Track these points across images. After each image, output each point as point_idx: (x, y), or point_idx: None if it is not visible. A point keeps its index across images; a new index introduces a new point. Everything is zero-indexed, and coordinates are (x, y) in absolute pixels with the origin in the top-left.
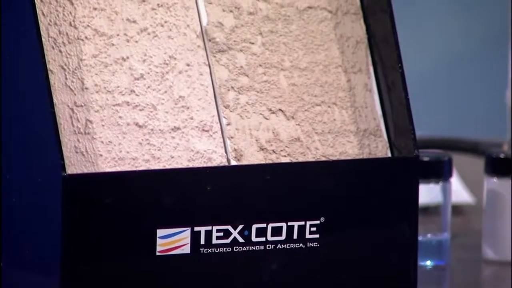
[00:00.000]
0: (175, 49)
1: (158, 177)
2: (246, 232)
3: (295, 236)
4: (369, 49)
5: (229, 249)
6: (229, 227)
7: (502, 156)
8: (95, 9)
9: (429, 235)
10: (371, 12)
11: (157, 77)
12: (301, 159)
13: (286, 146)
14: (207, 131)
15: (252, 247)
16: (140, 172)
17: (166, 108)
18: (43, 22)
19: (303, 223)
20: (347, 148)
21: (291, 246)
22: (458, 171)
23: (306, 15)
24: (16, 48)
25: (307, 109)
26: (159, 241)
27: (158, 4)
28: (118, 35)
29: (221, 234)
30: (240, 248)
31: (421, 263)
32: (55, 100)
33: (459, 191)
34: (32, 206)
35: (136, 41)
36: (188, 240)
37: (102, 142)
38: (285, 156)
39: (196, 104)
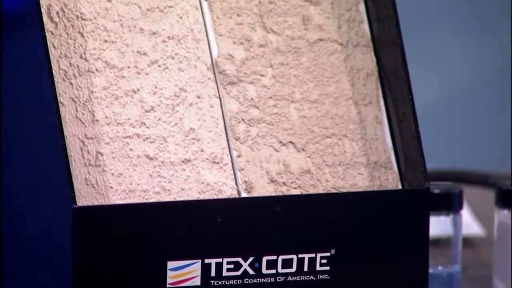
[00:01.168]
0: (186, 81)
1: (168, 209)
2: (256, 264)
3: (305, 268)
4: (379, 82)
5: (239, 281)
6: (240, 259)
7: None
8: (105, 41)
9: (439, 268)
10: (381, 45)
11: (167, 109)
12: (311, 191)
13: (297, 178)
14: (217, 163)
15: (262, 279)
16: (151, 204)
17: (176, 140)
18: (53, 54)
19: (313, 255)
20: (358, 180)
21: (301, 278)
22: (469, 203)
23: (316, 48)
24: (26, 80)
25: (318, 141)
26: (169, 273)
27: (168, 37)
28: (128, 67)
29: (231, 266)
30: (250, 280)
31: None
32: (65, 132)
33: (469, 224)
34: (43, 239)
35: (147, 74)
36: (198, 272)
37: (112, 174)
38: (295, 188)
39: (207, 136)
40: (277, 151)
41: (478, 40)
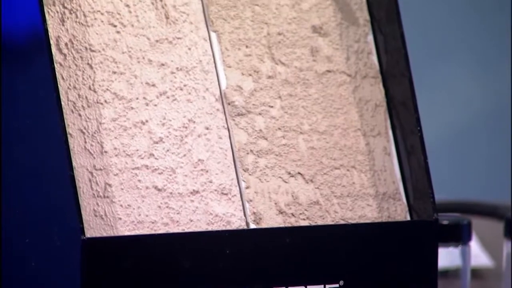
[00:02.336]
0: (194, 113)
1: (177, 241)
2: None
3: None
4: (388, 113)
5: None
6: None
7: None
8: (114, 72)
9: None
10: (390, 76)
11: (176, 140)
12: (320, 222)
13: (305, 210)
14: (226, 194)
15: None
16: (159, 235)
17: (185, 172)
18: (62, 86)
19: (322, 286)
20: (366, 212)
21: None
22: (477, 235)
23: (325, 79)
24: (35, 111)
25: (326, 173)
26: None
27: (177, 68)
28: (137, 98)
29: None
30: None
31: None
32: (74, 164)
33: (478, 255)
34: (52, 270)
35: (155, 105)
36: None
37: (121, 205)
38: (304, 219)
39: (215, 168)
40: (285, 182)
41: (485, 71)
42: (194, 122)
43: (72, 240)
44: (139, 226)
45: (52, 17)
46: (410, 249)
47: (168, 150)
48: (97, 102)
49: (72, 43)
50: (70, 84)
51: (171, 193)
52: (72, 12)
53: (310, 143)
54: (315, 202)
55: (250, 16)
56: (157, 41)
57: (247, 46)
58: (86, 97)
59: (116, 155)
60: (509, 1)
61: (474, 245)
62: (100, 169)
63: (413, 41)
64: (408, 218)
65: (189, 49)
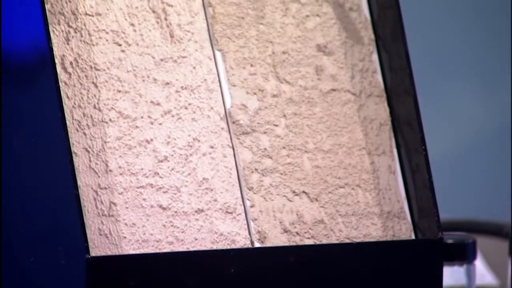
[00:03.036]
0: (199, 131)
1: (181, 260)
2: None
3: None
4: (392, 132)
5: None
6: None
7: None
8: (119, 91)
9: None
10: (394, 95)
11: (181, 159)
12: (324, 241)
13: (310, 228)
14: (230, 213)
15: None
16: (164, 254)
17: (190, 190)
18: (67, 104)
19: None
20: (371, 230)
21: None
22: (482, 254)
23: (329, 98)
24: (39, 130)
25: (331, 191)
26: None
27: (182, 87)
28: (142, 117)
29: None
30: None
31: None
32: (79, 183)
33: (483, 274)
34: None
35: (160, 124)
36: None
37: (126, 224)
38: (308, 238)
39: (220, 186)
40: (290, 201)
41: (490, 90)
42: (198, 140)
43: (77, 259)
44: (144, 244)
45: (57, 36)
46: (415, 268)
47: (172, 169)
48: (102, 121)
49: (77, 62)
50: (75, 103)
51: (175, 211)
52: (77, 31)
53: (314, 162)
54: (319, 221)
55: (255, 35)
56: (162, 60)
57: (251, 65)
58: (91, 116)
59: (121, 174)
60: None
61: (479, 264)
62: (105, 188)
63: (417, 60)
64: (413, 237)
65: (194, 68)
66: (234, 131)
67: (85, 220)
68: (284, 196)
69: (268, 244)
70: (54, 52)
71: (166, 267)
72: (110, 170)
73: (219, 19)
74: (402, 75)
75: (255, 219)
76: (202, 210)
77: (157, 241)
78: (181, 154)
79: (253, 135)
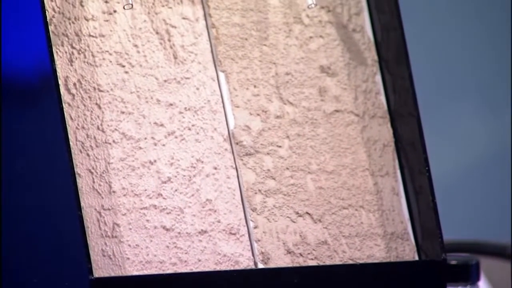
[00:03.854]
0: (202, 153)
1: (185, 280)
2: None
3: None
4: (396, 153)
5: None
6: None
7: None
8: (122, 112)
9: None
10: (398, 116)
11: (184, 180)
12: (328, 262)
13: (313, 249)
14: (234, 234)
15: None
16: (167, 275)
17: (193, 211)
18: (71, 126)
19: None
20: (375, 251)
21: None
22: (486, 274)
23: (333, 119)
24: (43, 151)
25: (334, 212)
26: None
27: (185, 108)
28: (145, 138)
29: None
30: None
31: None
32: (82, 204)
33: None
34: None
35: (164, 145)
36: None
37: (129, 245)
38: (312, 259)
39: (223, 207)
40: (293, 222)
41: (493, 112)
42: (202, 162)
43: (80, 280)
44: (147, 266)
45: (61, 57)
46: None
47: (176, 190)
48: (106, 142)
49: (81, 83)
50: (78, 124)
51: (179, 233)
52: (80, 52)
53: (318, 183)
54: (323, 242)
55: (258, 56)
56: (165, 81)
57: (255, 86)
58: (94, 137)
59: (124, 195)
60: None
61: (483, 285)
62: (108, 209)
63: (420, 81)
64: (417, 258)
65: (197, 89)
66: (237, 152)
67: (88, 241)
68: (288, 217)
69: (271, 265)
70: (57, 73)
71: None
72: (114, 191)
73: (222, 40)
74: (406, 96)
75: (259, 240)
76: (205, 231)
77: (161, 262)
78: (184, 175)
79: (256, 156)
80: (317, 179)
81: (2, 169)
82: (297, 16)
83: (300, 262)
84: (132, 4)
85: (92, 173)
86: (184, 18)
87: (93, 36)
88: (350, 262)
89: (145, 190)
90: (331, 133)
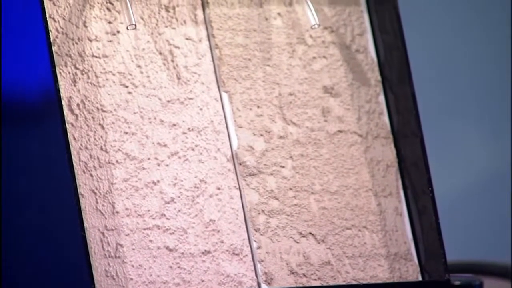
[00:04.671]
0: (206, 173)
1: None
2: None
3: None
4: (399, 173)
5: None
6: None
7: None
8: (126, 133)
9: None
10: (401, 136)
11: (187, 200)
12: (331, 282)
13: (317, 270)
14: (237, 254)
15: None
16: None
17: (196, 232)
18: (74, 146)
19: None
20: (378, 272)
21: None
22: None
23: (336, 139)
24: (46, 171)
25: (338, 233)
26: None
27: (189, 128)
28: (149, 159)
29: None
30: None
31: None
32: (86, 224)
33: None
34: None
35: (167, 165)
36: None
37: (132, 265)
38: (315, 279)
39: (227, 228)
40: (297, 242)
41: (496, 132)
42: (205, 182)
43: None
44: (151, 286)
45: (64, 77)
46: None
47: (179, 210)
48: (109, 163)
49: (84, 104)
50: (81, 144)
51: (182, 253)
52: (84, 72)
53: (321, 203)
54: (326, 262)
55: (262, 77)
56: (168, 101)
57: (258, 107)
58: (97, 158)
59: (127, 215)
60: None
61: None
62: (112, 230)
63: (424, 101)
64: (420, 279)
65: (201, 109)
66: (241, 173)
67: (91, 262)
68: (291, 237)
69: (275, 285)
70: (61, 94)
71: None
72: (117, 212)
73: (225, 60)
74: (409, 116)
75: (262, 261)
76: (208, 252)
77: (164, 283)
78: (187, 196)
79: (259, 177)
80: (321, 200)
81: (5, 189)
82: (301, 36)
83: (304, 282)
84: (135, 25)
85: (95, 193)
86: (187, 39)
87: (96, 57)
88: (354, 282)
89: (149, 210)
90: (335, 154)
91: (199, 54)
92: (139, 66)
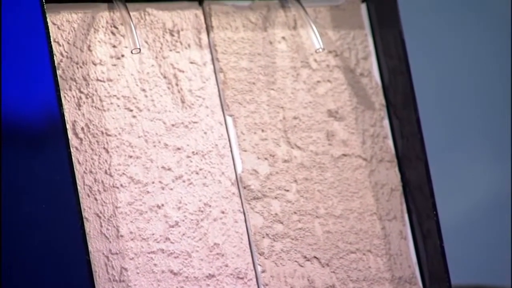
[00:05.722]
0: (210, 197)
1: None
2: None
3: None
4: (404, 197)
5: None
6: None
7: None
8: (130, 157)
9: None
10: (406, 160)
11: (192, 224)
12: None
13: None
14: (242, 278)
15: None
16: None
17: (201, 256)
18: (78, 170)
19: None
20: None
21: None
22: None
23: (340, 163)
24: (50, 195)
25: (342, 257)
26: None
27: (193, 152)
28: (153, 182)
29: None
30: None
31: None
32: (90, 248)
33: None
34: None
35: (171, 189)
36: None
37: None
38: None
39: (231, 251)
40: (301, 266)
41: (501, 157)
42: (210, 206)
43: None
44: None
45: (69, 101)
46: None
47: (184, 234)
48: (113, 186)
49: (88, 127)
50: (86, 168)
51: (186, 277)
52: (88, 96)
53: (326, 227)
54: (331, 286)
55: (266, 100)
56: (173, 125)
57: (263, 130)
58: (102, 181)
59: (132, 239)
60: None
61: None
62: (116, 253)
63: (428, 126)
64: None
65: (205, 133)
66: (245, 196)
67: (96, 286)
68: (295, 261)
69: None
70: (65, 118)
71: None
72: (121, 236)
73: (230, 84)
74: (413, 140)
75: (267, 285)
76: (213, 276)
77: None
78: (192, 219)
79: (264, 200)
80: (325, 223)
81: (10, 213)
82: (305, 60)
83: None
84: (140, 49)
85: (99, 217)
86: (192, 63)
87: (101, 81)
88: None
89: (153, 234)
90: (339, 177)
91: (204, 77)
92: (143, 90)
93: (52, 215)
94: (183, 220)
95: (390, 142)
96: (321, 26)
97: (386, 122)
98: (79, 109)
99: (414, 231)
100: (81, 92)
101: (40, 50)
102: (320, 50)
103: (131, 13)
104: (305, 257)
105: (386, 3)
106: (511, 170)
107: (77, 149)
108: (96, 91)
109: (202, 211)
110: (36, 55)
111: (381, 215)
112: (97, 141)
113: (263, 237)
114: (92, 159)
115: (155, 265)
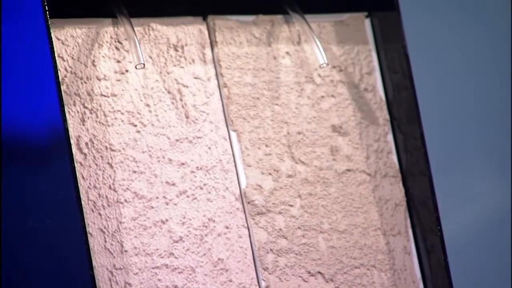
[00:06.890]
0: (214, 212)
1: None
2: None
3: None
4: (408, 212)
5: None
6: None
7: None
8: (134, 172)
9: None
10: (410, 175)
11: (196, 239)
12: None
13: None
14: None
15: None
16: None
17: (205, 271)
18: (82, 185)
19: None
20: None
21: None
22: None
23: (345, 178)
24: (54, 211)
25: (346, 272)
26: None
27: (197, 167)
28: (157, 197)
29: None
30: None
31: None
32: (94, 263)
33: None
34: None
35: (175, 204)
36: None
37: None
38: None
39: (235, 267)
40: (305, 281)
41: (505, 172)
42: (214, 221)
43: None
44: None
45: (73, 116)
46: None
47: (188, 249)
48: (117, 201)
49: (93, 143)
50: (90, 183)
51: None
52: (92, 111)
53: (330, 242)
54: None
55: (270, 116)
56: (177, 140)
57: (267, 145)
58: (106, 196)
59: (136, 254)
60: None
61: None
62: (120, 268)
63: (432, 141)
64: None
65: (209, 148)
66: (249, 212)
67: None
68: (300, 276)
69: None
70: (69, 133)
71: None
72: (126, 251)
73: (234, 99)
74: (417, 155)
75: None
76: None
77: None
78: (196, 235)
79: (268, 216)
80: (329, 238)
81: (14, 228)
82: (309, 75)
83: None
84: (144, 64)
85: (104, 232)
86: (196, 78)
87: (105, 96)
88: None
89: (157, 249)
90: (343, 192)
91: (208, 93)
92: (147, 105)
93: (56, 230)
94: (187, 235)
95: (394, 157)
96: (325, 41)
97: (390, 137)
98: (83, 124)
99: (418, 246)
100: (85, 107)
101: (44, 65)
102: (324, 65)
103: (135, 28)
104: (309, 272)
105: (390, 19)
106: None
107: (81, 164)
108: (100, 106)
109: (206, 226)
110: (41, 70)
111: (385, 230)
112: (101, 156)
113: (267, 252)
114: (96, 174)
115: (159, 280)
